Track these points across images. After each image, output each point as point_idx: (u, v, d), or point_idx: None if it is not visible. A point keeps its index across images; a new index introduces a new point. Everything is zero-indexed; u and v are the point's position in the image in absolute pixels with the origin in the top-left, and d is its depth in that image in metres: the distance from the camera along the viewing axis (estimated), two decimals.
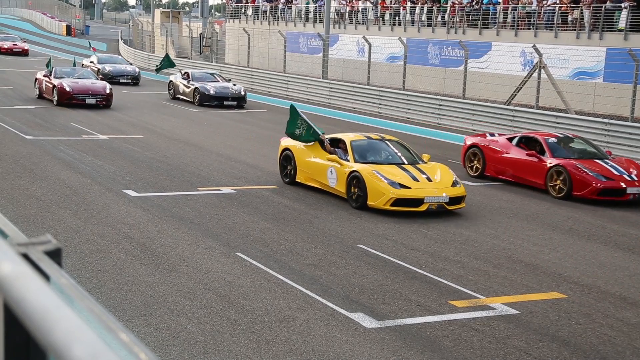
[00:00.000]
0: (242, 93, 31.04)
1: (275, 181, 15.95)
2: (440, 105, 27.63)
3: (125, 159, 17.63)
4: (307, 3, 48.99)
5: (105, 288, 9.00)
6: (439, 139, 24.20)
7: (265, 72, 39.89)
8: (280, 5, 50.44)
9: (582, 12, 30.98)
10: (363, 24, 43.39)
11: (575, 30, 31.29)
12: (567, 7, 31.78)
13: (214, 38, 50.69)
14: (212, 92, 30.50)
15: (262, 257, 10.51)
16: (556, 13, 32.02)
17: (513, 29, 33.99)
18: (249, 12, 53.68)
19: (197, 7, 76.41)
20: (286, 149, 15.85)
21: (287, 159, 15.82)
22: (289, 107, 16.11)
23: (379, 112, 29.97)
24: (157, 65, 35.63)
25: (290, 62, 42.21)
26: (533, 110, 24.84)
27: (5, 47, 56.48)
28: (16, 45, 57.21)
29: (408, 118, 28.55)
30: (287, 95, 35.66)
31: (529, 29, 33.29)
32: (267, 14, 51.44)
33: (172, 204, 13.41)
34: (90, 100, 27.19)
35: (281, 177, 15.91)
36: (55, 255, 1.72)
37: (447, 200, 13.57)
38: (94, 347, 1.23)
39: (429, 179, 13.88)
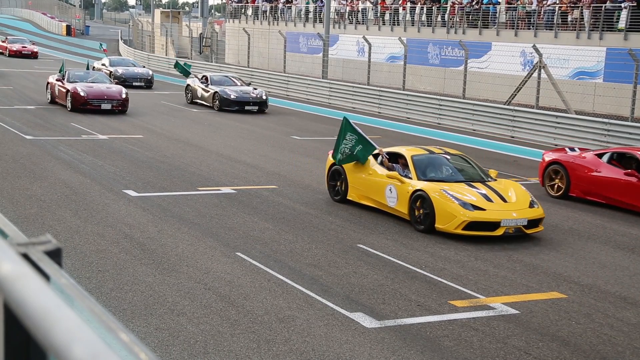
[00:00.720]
0: (264, 97, 29.39)
1: (275, 181, 15.95)
2: (440, 105, 27.63)
3: (125, 159, 17.64)
4: (307, 3, 49.00)
5: (105, 288, 9.00)
6: (439, 139, 24.18)
7: (265, 72, 39.90)
8: (280, 5, 50.45)
9: (582, 12, 30.99)
10: (363, 24, 43.41)
11: (575, 30, 31.29)
12: (567, 7, 31.79)
13: (214, 38, 50.70)
14: (232, 96, 28.92)
15: (262, 257, 10.51)
16: (556, 13, 32.03)
17: (513, 29, 34.00)
18: (249, 12, 53.70)
19: (197, 7, 76.43)
20: (336, 163, 14.40)
21: (336, 175, 14.36)
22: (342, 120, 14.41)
23: (379, 112, 29.98)
24: (179, 65, 34.93)
25: (290, 62, 42.23)
26: (533, 110, 24.85)
27: (14, 49, 54.48)
28: (25, 47, 55.18)
29: (408, 118, 28.55)
30: (287, 95, 35.67)
31: (529, 29, 33.30)
32: (267, 14, 51.46)
33: (172, 204, 13.41)
34: (106, 106, 25.79)
35: (329, 194, 14.46)
36: (55, 255, 1.72)
37: (526, 224, 12.15)
38: (94, 347, 1.23)
39: (504, 199, 12.43)
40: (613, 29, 30.01)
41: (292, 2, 50.14)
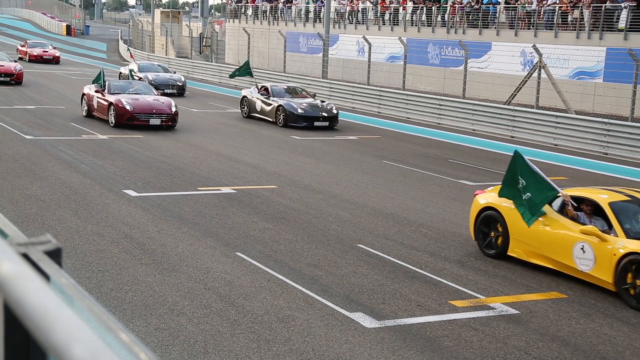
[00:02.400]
0: (334, 111, 25.38)
1: (275, 181, 15.94)
2: (440, 105, 27.64)
3: (125, 159, 17.64)
4: (307, 3, 49.01)
5: (105, 288, 9.00)
6: (438, 139, 24.20)
7: (265, 72, 39.89)
8: (280, 5, 50.46)
9: (582, 12, 30.99)
10: (363, 23, 43.42)
11: (575, 30, 31.30)
12: (567, 7, 31.80)
13: (214, 38, 50.72)
14: (300, 111, 24.90)
15: (262, 257, 10.51)
16: (556, 13, 32.03)
17: (513, 28, 34.01)
18: (249, 12, 53.72)
19: (197, 7, 76.46)
20: (489, 207, 11.24)
21: (489, 222, 11.24)
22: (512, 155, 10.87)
23: (379, 112, 29.98)
24: (234, 72, 30.50)
25: (290, 62, 42.23)
26: (533, 110, 24.86)
27: (35, 54, 50.07)
28: (46, 52, 50.72)
29: (408, 118, 28.56)
30: None
31: (529, 29, 33.31)
32: (267, 14, 51.48)
33: (172, 204, 13.41)
34: (155, 121, 22.56)
35: (479, 246, 11.38)
36: (55, 255, 1.72)
37: None
38: (94, 346, 1.23)
39: None
40: (613, 29, 30.01)
41: (292, 2, 50.15)
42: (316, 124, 24.85)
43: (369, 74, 33.65)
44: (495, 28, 34.86)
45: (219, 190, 14.83)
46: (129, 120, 22.44)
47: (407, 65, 32.40)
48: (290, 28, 48.26)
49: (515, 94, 26.47)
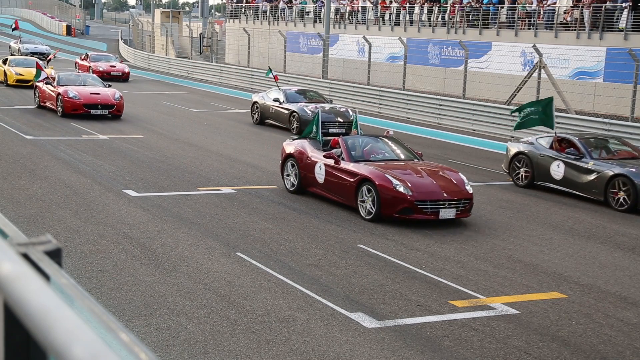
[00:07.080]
0: None
1: (275, 181, 15.94)
2: (440, 105, 27.64)
3: (125, 159, 17.64)
4: (305, 3, 49.00)
5: (105, 288, 9.00)
6: (439, 139, 24.20)
7: (265, 72, 39.86)
8: (281, 4, 50.46)
9: (582, 12, 30.99)
10: (363, 23, 43.42)
11: (575, 30, 31.30)
12: (569, 10, 31.81)
13: (214, 38, 50.73)
14: None
15: (262, 257, 10.52)
16: (556, 13, 32.04)
17: (513, 28, 34.01)
18: (249, 12, 53.73)
19: (197, 7, 76.44)
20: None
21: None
22: None
23: (379, 112, 29.98)
24: (518, 115, 17.12)
25: (290, 62, 42.24)
26: None
27: (100, 69, 39.89)
28: (114, 67, 41.11)
29: (408, 118, 28.56)
30: None
31: (529, 29, 33.31)
32: (267, 14, 51.48)
33: (172, 204, 13.41)
34: (447, 213, 12.90)
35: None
36: (55, 255, 1.72)
37: None
38: (94, 347, 1.23)
39: None
40: (613, 29, 30.01)
41: (292, 2, 50.16)
42: None
43: (369, 74, 33.65)
44: (495, 28, 34.86)
45: (219, 190, 14.83)
46: (406, 213, 12.78)
47: (407, 65, 32.40)
48: (290, 28, 48.26)
49: (516, 94, 26.47)
